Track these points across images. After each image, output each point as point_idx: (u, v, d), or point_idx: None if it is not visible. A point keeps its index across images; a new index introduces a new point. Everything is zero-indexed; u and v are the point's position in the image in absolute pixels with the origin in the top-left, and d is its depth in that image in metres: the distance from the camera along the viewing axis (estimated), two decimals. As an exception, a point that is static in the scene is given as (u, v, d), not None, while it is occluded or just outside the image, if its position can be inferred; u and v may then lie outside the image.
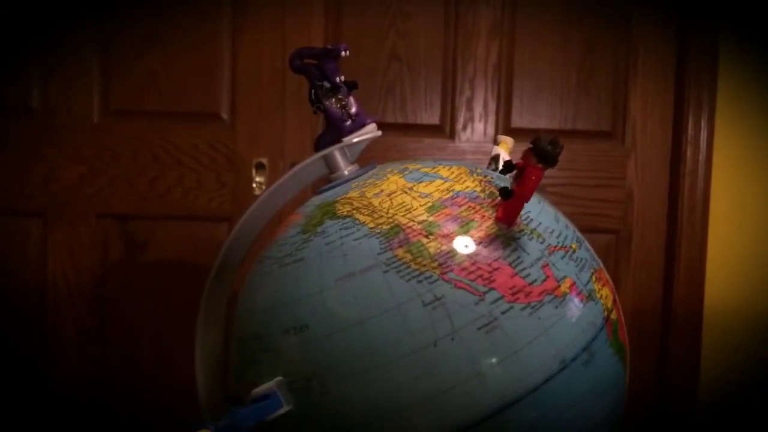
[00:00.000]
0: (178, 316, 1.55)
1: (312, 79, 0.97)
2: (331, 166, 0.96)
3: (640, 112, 1.60)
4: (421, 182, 0.84)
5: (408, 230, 0.76)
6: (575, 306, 0.77)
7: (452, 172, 0.86)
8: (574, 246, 0.84)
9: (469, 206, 0.80)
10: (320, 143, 0.98)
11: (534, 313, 0.74)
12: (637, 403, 1.61)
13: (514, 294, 0.74)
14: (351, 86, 0.97)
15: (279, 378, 0.74)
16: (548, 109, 1.59)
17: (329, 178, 0.97)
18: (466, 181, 0.84)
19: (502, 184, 0.82)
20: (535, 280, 0.76)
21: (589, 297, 0.80)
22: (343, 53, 0.95)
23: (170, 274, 1.57)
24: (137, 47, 1.55)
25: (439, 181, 0.84)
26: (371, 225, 0.77)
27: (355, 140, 0.96)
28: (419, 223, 0.77)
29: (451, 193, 0.82)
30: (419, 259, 0.74)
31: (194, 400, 1.07)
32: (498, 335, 0.72)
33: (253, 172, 1.56)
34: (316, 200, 0.88)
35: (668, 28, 1.59)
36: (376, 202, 0.81)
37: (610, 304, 0.84)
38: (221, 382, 1.07)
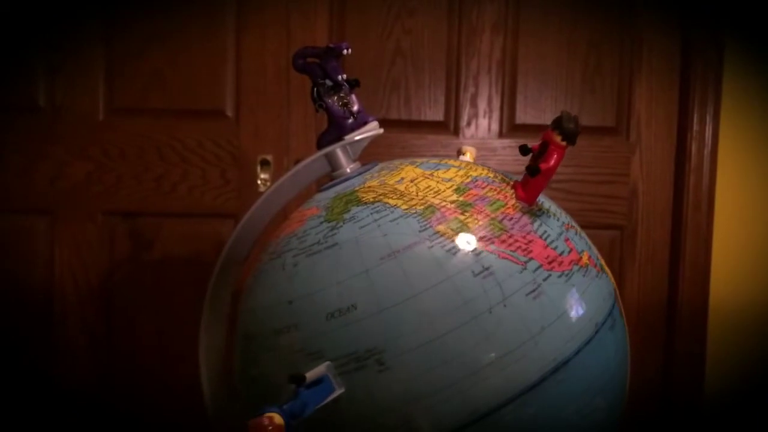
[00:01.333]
0: (183, 313, 1.56)
1: (314, 77, 0.98)
2: (333, 163, 0.97)
3: (644, 107, 1.59)
4: (438, 170, 0.87)
5: (443, 209, 0.80)
6: (596, 276, 0.84)
7: (461, 164, 0.91)
8: (575, 226, 0.89)
9: (491, 188, 0.85)
10: (322, 141, 0.99)
11: (568, 281, 0.79)
12: (643, 399, 1.61)
13: (549, 263, 0.79)
14: (353, 84, 0.98)
15: (327, 362, 0.73)
16: (553, 105, 1.59)
17: (331, 175, 0.98)
18: (477, 168, 0.90)
19: (509, 174, 0.89)
20: (563, 252, 0.82)
21: (602, 269, 0.87)
22: (344, 52, 0.95)
23: (176, 271, 1.58)
24: (142, 45, 1.56)
25: (454, 169, 0.88)
26: (404, 207, 0.80)
27: (357, 138, 0.97)
28: (451, 202, 0.81)
29: (470, 178, 0.86)
30: (455, 235, 0.78)
31: (198, 395, 1.08)
32: (544, 301, 0.76)
33: (258, 169, 1.57)
34: (329, 193, 0.89)
35: (673, 23, 1.58)
36: (401, 187, 0.84)
37: (613, 280, 0.91)
38: (224, 379, 1.08)
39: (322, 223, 0.82)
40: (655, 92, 1.59)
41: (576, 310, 0.78)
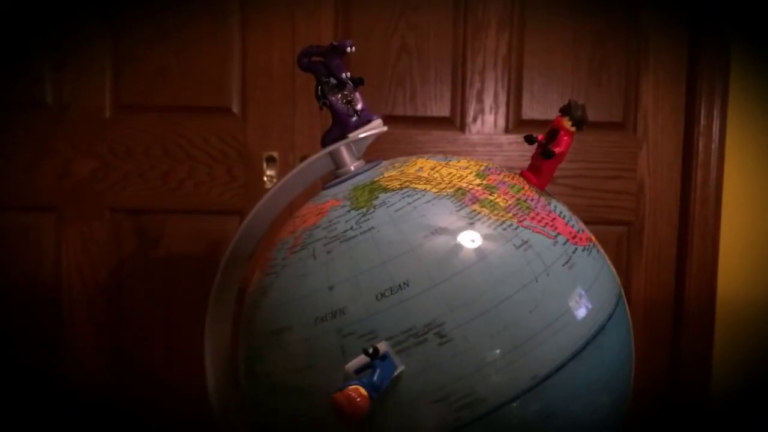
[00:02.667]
0: (190, 309, 1.56)
1: (319, 75, 0.98)
2: (337, 161, 0.97)
3: (651, 102, 1.58)
4: (450, 161, 0.91)
5: (472, 191, 0.84)
6: (603, 254, 0.90)
7: (467, 158, 0.95)
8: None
9: (505, 175, 0.91)
10: (327, 139, 0.99)
11: (589, 255, 0.85)
12: (650, 396, 1.61)
13: (573, 238, 0.85)
14: (357, 82, 0.98)
15: (383, 341, 0.74)
16: (559, 101, 1.58)
17: (335, 173, 0.98)
18: (484, 162, 0.94)
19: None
20: (579, 230, 0.88)
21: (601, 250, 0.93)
22: (348, 50, 0.95)
23: (182, 268, 1.59)
24: (148, 42, 1.56)
25: (464, 161, 0.92)
26: (435, 190, 0.84)
27: (361, 136, 0.97)
28: (477, 185, 0.86)
29: (483, 166, 0.91)
30: (495, 212, 0.82)
31: (204, 391, 1.08)
32: (577, 271, 0.82)
33: (264, 165, 1.57)
34: (345, 186, 0.90)
35: (679, 17, 1.57)
36: (424, 174, 0.87)
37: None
38: (230, 375, 1.09)
39: (349, 211, 0.83)
40: (662, 87, 1.58)
41: (601, 281, 0.84)
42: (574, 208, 0.99)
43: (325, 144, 0.99)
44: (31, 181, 1.58)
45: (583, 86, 1.58)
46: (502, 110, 1.59)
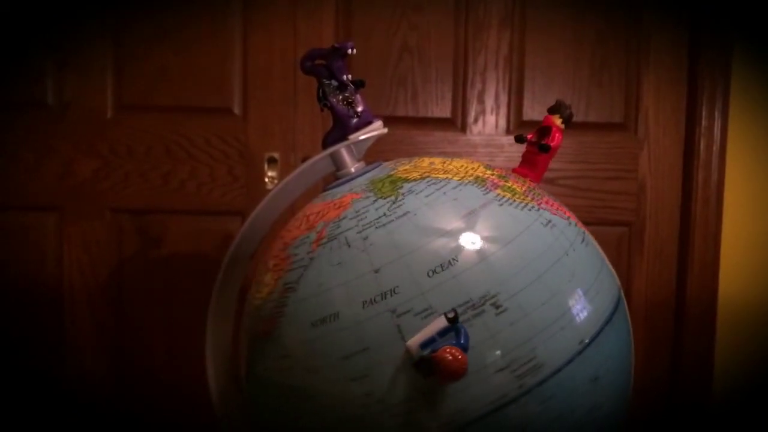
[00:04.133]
0: (191, 310, 1.57)
1: (320, 77, 0.98)
2: (337, 163, 0.97)
3: (652, 103, 1.58)
4: (455, 159, 0.96)
5: (489, 179, 0.89)
6: (601, 252, 0.94)
7: (466, 160, 0.99)
8: None
9: (505, 170, 0.96)
10: (327, 141, 0.99)
11: (589, 241, 0.91)
12: (651, 396, 1.61)
13: (578, 221, 0.92)
14: (358, 85, 0.98)
15: (441, 315, 0.75)
16: (560, 101, 1.58)
17: (336, 175, 0.98)
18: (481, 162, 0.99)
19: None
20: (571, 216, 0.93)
21: None
22: (349, 51, 0.95)
23: (184, 268, 1.59)
24: (149, 42, 1.56)
25: (464, 159, 0.96)
26: (457, 178, 0.88)
27: (362, 137, 0.97)
28: (491, 175, 0.91)
29: (484, 163, 0.95)
30: (516, 196, 0.87)
31: (206, 391, 1.08)
32: (592, 250, 0.89)
33: (265, 166, 1.57)
34: (360, 181, 0.92)
35: (681, 17, 1.57)
36: (438, 167, 0.90)
37: None
38: (232, 375, 1.09)
39: (376, 200, 0.85)
40: (663, 87, 1.58)
41: (606, 261, 0.92)
42: (575, 209, 1.00)
43: (326, 145, 0.99)
44: (32, 181, 1.58)
45: (584, 86, 1.58)
46: (503, 111, 1.59)
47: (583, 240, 0.88)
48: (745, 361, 1.59)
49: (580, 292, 0.82)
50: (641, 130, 1.59)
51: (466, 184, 0.87)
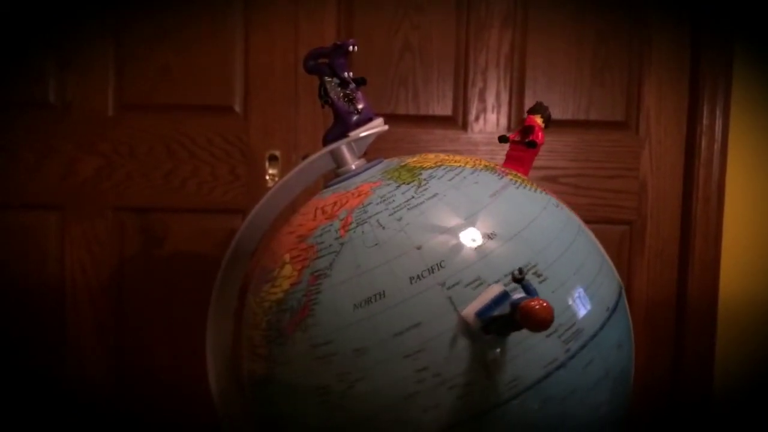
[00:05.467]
0: (193, 308, 1.57)
1: (322, 76, 0.99)
2: (338, 160, 0.97)
3: (654, 102, 1.58)
4: (457, 155, 0.98)
5: (497, 167, 0.94)
6: (602, 250, 0.97)
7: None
8: None
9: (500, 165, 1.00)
10: (328, 138, 0.99)
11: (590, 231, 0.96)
12: (652, 395, 1.61)
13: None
14: (359, 82, 0.98)
15: (492, 284, 0.78)
16: (561, 100, 1.58)
17: (336, 172, 0.98)
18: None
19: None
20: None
21: None
22: (350, 48, 0.96)
23: (185, 266, 1.59)
24: (150, 41, 1.57)
25: (463, 155, 1.01)
26: (470, 166, 0.91)
27: (362, 135, 0.97)
28: (495, 165, 0.94)
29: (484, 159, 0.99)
30: (524, 181, 0.92)
31: (208, 391, 1.08)
32: (591, 236, 0.94)
33: (267, 164, 1.57)
34: (375, 172, 0.93)
35: (682, 16, 1.57)
36: (447, 158, 0.94)
37: None
38: (232, 374, 1.09)
39: (399, 186, 0.87)
40: (665, 86, 1.58)
41: (603, 252, 0.95)
42: (576, 207, 1.00)
43: (326, 143, 0.99)
44: (34, 180, 1.58)
45: (585, 85, 1.58)
46: (505, 109, 1.59)
47: (582, 229, 0.93)
48: (746, 359, 1.59)
49: (598, 265, 0.88)
50: (642, 129, 1.59)
51: (480, 170, 0.90)
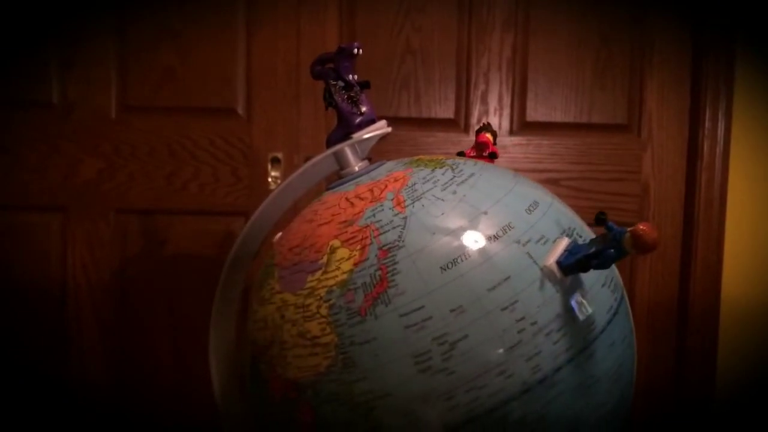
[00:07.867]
0: (195, 310, 1.57)
1: (328, 79, 0.99)
2: (341, 162, 0.97)
3: (656, 104, 1.58)
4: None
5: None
6: None
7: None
8: None
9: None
10: (331, 140, 0.99)
11: None
12: (654, 397, 1.61)
13: None
14: (363, 86, 0.99)
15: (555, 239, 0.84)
16: (563, 103, 1.58)
17: (339, 174, 0.98)
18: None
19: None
20: None
21: None
22: (355, 51, 0.96)
23: (188, 268, 1.59)
24: (153, 42, 1.57)
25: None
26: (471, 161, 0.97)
27: (366, 136, 0.97)
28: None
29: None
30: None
31: (210, 392, 1.08)
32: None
33: (269, 166, 1.58)
34: (390, 166, 0.94)
35: (684, 19, 1.57)
36: (447, 157, 0.98)
37: None
38: (235, 375, 1.09)
39: (434, 170, 0.90)
40: (667, 89, 1.58)
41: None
42: (578, 210, 1.00)
43: (329, 144, 0.99)
44: (36, 181, 1.59)
45: (587, 88, 1.58)
46: (507, 112, 1.59)
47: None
48: (748, 361, 1.59)
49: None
50: (644, 132, 1.59)
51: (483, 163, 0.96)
